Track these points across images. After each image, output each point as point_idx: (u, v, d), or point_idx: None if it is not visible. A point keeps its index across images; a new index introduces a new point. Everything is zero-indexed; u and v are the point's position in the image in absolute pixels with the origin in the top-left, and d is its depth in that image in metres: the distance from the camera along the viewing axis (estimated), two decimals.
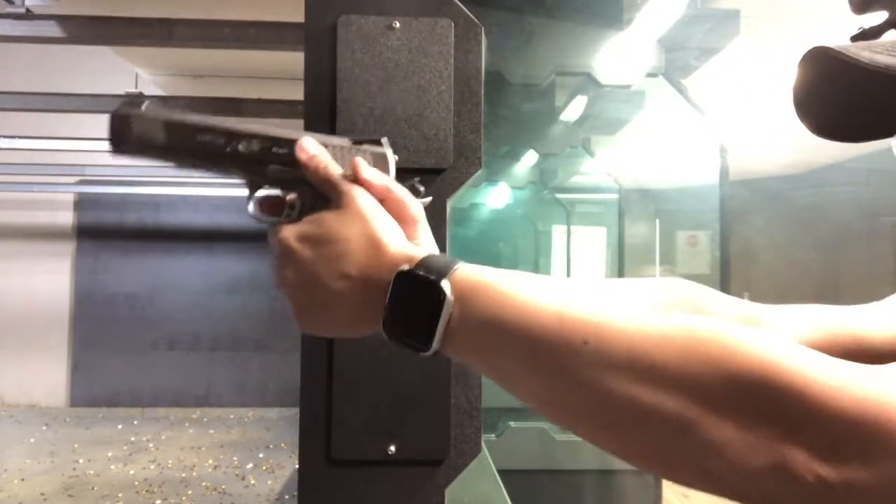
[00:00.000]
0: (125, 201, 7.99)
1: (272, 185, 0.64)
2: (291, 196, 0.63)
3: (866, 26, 0.57)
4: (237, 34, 3.20)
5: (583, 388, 0.44)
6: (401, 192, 0.61)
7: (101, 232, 8.09)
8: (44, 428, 7.06)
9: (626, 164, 4.39)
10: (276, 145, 0.63)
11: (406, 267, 0.52)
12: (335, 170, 0.60)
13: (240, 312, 8.08)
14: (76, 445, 6.36)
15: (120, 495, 5.02)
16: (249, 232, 7.35)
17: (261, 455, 6.14)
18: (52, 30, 3.21)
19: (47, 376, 7.96)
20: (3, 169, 6.52)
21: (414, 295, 0.51)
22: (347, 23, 0.94)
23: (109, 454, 6.09)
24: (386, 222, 0.58)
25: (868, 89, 0.58)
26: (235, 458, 6.02)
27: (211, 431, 7.08)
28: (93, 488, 5.17)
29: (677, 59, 2.62)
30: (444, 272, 0.51)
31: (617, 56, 2.59)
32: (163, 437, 6.76)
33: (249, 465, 5.83)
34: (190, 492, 5.12)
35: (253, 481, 5.41)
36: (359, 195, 0.58)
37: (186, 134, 0.64)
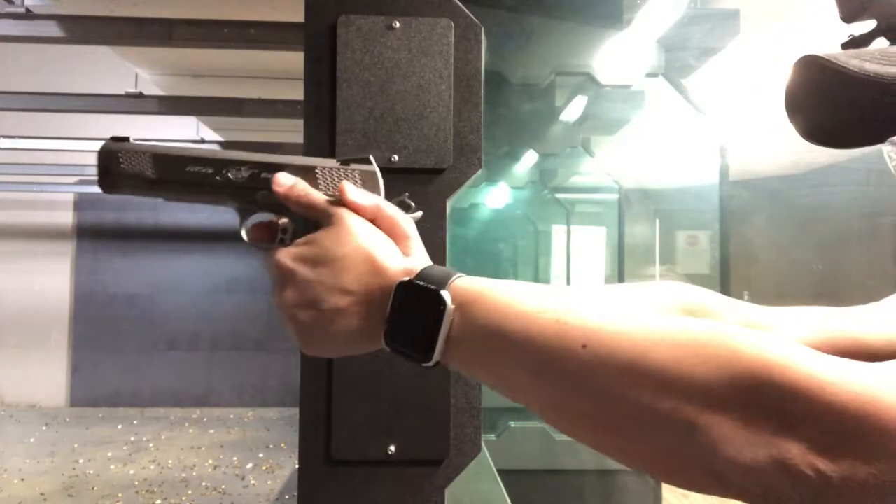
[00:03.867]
0: (125, 201, 7.99)
1: (263, 210, 0.65)
2: (283, 220, 0.63)
3: (856, 34, 0.59)
4: (237, 34, 3.20)
5: (583, 393, 0.44)
6: (391, 209, 0.61)
7: (101, 232, 8.09)
8: (44, 428, 7.06)
9: (626, 164, 4.39)
10: (264, 171, 0.63)
11: (406, 278, 0.53)
12: (317, 195, 0.61)
13: (240, 312, 8.07)
14: (76, 445, 6.36)
15: (120, 495, 5.02)
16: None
17: (261, 455, 6.14)
18: (52, 30, 3.20)
19: (47, 376, 7.96)
20: (3, 169, 6.52)
21: (415, 305, 0.52)
22: (347, 23, 0.94)
23: (109, 454, 6.09)
24: (380, 238, 0.58)
25: (856, 96, 0.59)
26: (235, 458, 6.01)
27: (211, 431, 7.08)
28: (93, 488, 5.17)
29: (677, 59, 2.61)
30: (443, 282, 0.51)
31: (617, 56, 2.59)
32: (163, 437, 6.76)
33: (249, 465, 5.83)
34: (190, 492, 5.12)
35: (253, 481, 5.41)
36: (348, 214, 0.58)
37: (176, 166, 0.64)
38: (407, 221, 0.61)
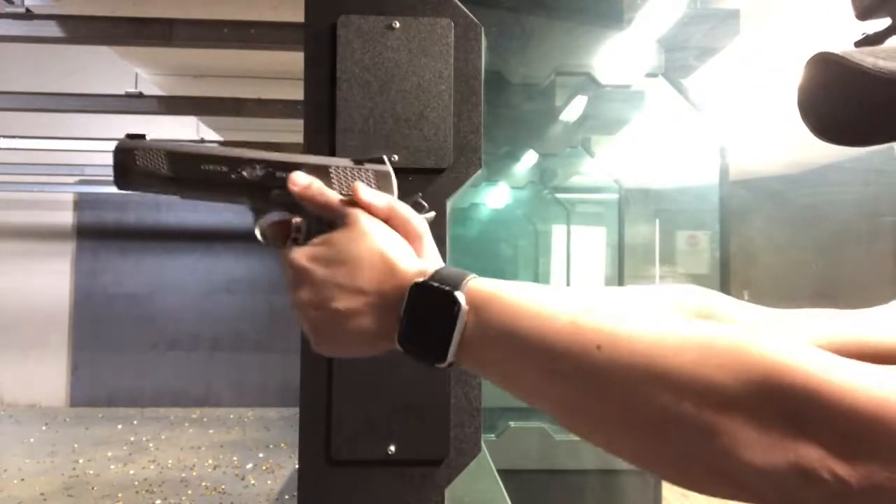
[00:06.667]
0: (125, 201, 7.99)
1: (277, 209, 0.65)
2: (297, 220, 0.63)
3: (870, 31, 0.59)
4: (237, 34, 3.20)
5: (597, 394, 0.44)
6: (404, 209, 0.61)
7: (101, 232, 8.08)
8: (44, 428, 7.06)
9: (626, 164, 4.39)
10: (279, 169, 0.64)
11: (420, 279, 0.53)
12: (332, 195, 0.61)
13: (240, 312, 8.07)
14: (76, 445, 6.36)
15: (120, 495, 5.02)
16: (249, 232, 7.29)
17: (261, 455, 6.14)
18: (52, 30, 3.20)
19: (47, 376, 7.96)
20: (3, 169, 6.51)
21: (429, 306, 0.52)
22: (347, 23, 0.94)
23: (109, 454, 6.09)
24: (394, 239, 0.58)
25: (871, 94, 0.59)
26: (235, 458, 6.01)
27: (211, 431, 7.07)
28: (92, 488, 5.17)
29: (677, 59, 2.61)
30: (458, 283, 0.51)
31: (617, 56, 2.59)
32: (163, 437, 6.76)
33: (249, 465, 5.83)
34: (190, 492, 5.12)
35: (253, 481, 5.41)
36: (362, 215, 0.59)
37: (191, 164, 0.64)
38: (420, 222, 0.61)
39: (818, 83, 0.58)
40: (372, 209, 0.59)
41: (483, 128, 0.96)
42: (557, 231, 5.70)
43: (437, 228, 0.95)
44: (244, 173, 0.64)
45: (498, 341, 0.49)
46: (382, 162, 0.65)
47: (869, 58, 0.50)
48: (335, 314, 0.55)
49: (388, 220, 0.60)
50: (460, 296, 0.50)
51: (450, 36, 0.95)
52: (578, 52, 2.61)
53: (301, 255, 0.58)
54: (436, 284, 0.52)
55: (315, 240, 0.59)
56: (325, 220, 0.61)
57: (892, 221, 5.36)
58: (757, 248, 6.04)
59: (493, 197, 5.32)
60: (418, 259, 0.58)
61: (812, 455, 0.38)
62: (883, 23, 0.57)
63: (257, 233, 0.66)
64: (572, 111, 3.32)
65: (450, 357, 0.50)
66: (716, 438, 0.40)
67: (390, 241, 0.58)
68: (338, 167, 0.64)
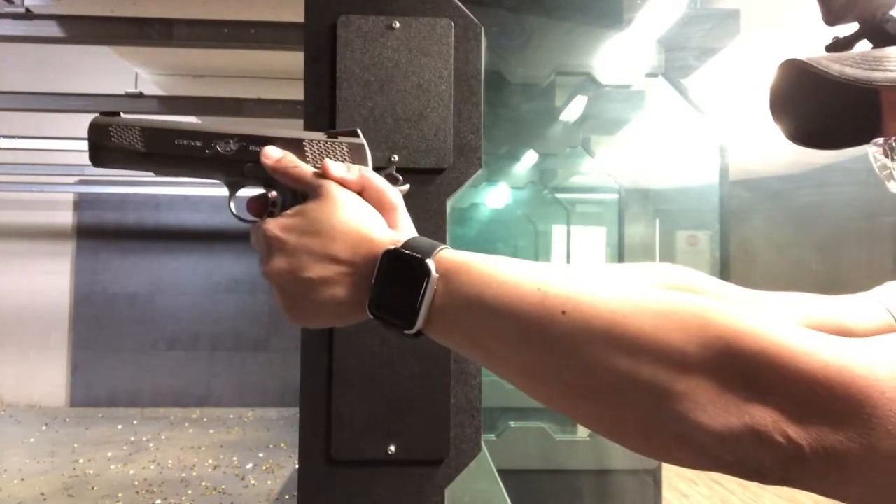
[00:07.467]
0: (125, 201, 7.99)
1: (252, 184, 0.65)
2: (273, 194, 0.64)
3: (840, 36, 0.60)
4: (237, 34, 3.20)
5: (562, 359, 0.45)
6: (378, 180, 0.61)
7: (101, 232, 8.08)
8: (44, 428, 7.06)
9: (626, 164, 4.39)
10: (252, 143, 0.64)
11: (392, 247, 0.53)
12: (305, 168, 0.62)
13: (240, 312, 8.07)
14: (76, 445, 6.36)
15: (120, 495, 5.02)
16: (249, 232, 7.26)
17: (261, 455, 6.14)
18: (52, 30, 3.21)
19: (47, 376, 7.96)
20: (3, 169, 6.52)
21: (400, 274, 0.52)
22: (347, 23, 0.94)
23: (109, 454, 6.09)
24: (367, 209, 0.59)
25: (837, 100, 0.60)
26: (235, 458, 6.01)
27: (211, 431, 7.07)
28: (93, 488, 5.17)
29: (677, 59, 2.62)
30: (429, 252, 0.52)
31: (617, 56, 2.59)
32: (163, 437, 6.76)
33: (249, 465, 5.83)
34: (190, 492, 5.12)
35: (253, 481, 5.41)
36: (335, 186, 0.59)
37: (165, 139, 0.65)
38: (394, 193, 0.62)
39: (787, 88, 0.60)
40: (345, 183, 0.60)
41: (483, 128, 0.96)
42: (557, 231, 5.71)
43: (437, 228, 0.95)
44: (218, 148, 0.64)
45: (466, 309, 0.49)
46: (356, 135, 0.65)
47: (835, 65, 0.51)
48: (307, 283, 0.56)
49: (362, 191, 0.60)
50: (431, 263, 0.51)
51: (450, 36, 0.95)
52: (578, 52, 2.61)
53: (274, 225, 0.58)
54: (407, 252, 0.52)
55: (289, 210, 0.59)
56: (300, 193, 0.61)
57: (892, 221, 5.36)
58: (757, 248, 6.04)
59: (493, 197, 5.32)
60: (391, 230, 0.59)
61: (767, 418, 0.38)
62: (852, 27, 0.58)
63: (233, 208, 0.66)
64: (572, 111, 3.33)
65: (419, 323, 0.51)
66: (673, 401, 0.40)
67: (363, 212, 0.58)
68: (311, 141, 0.64)
